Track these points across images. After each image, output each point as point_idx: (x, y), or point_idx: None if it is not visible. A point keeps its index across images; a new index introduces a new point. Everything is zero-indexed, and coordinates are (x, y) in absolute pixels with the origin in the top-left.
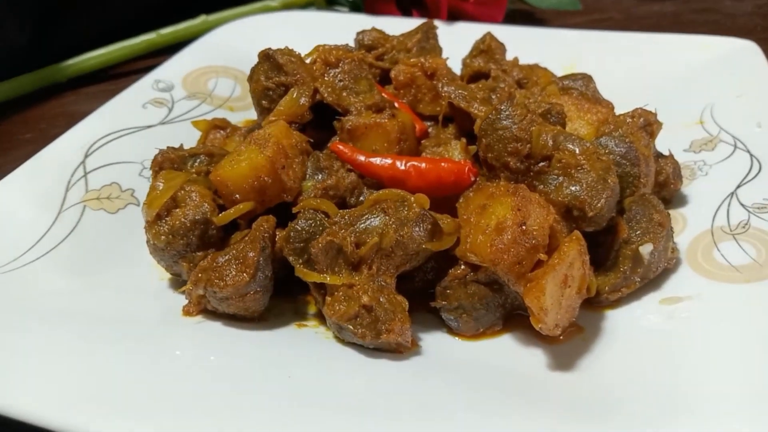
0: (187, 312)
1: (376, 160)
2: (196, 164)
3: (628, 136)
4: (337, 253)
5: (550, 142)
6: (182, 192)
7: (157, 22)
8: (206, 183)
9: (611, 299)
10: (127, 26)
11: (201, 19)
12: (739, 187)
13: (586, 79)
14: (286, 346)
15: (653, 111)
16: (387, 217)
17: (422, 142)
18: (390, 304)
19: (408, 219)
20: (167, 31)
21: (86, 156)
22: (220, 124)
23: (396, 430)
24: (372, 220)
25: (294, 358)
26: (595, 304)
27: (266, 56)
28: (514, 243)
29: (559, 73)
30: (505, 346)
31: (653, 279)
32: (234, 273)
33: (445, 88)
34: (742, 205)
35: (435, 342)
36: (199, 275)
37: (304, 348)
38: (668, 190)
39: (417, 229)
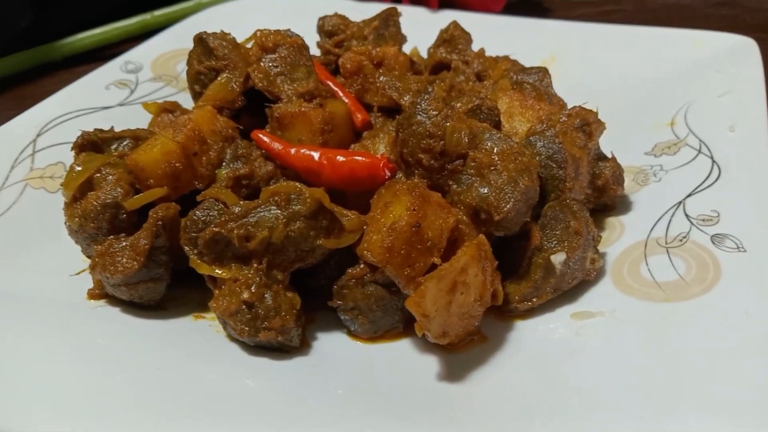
0: (91, 295)
1: (291, 150)
2: (121, 147)
3: (559, 136)
4: (225, 245)
5: (466, 140)
6: (99, 175)
7: (154, 3)
8: (127, 167)
9: (521, 309)
10: (124, 7)
11: (195, 1)
12: (689, 195)
13: (542, 73)
14: (170, 337)
15: (594, 110)
16: (279, 211)
17: (364, 133)
18: (275, 301)
19: (299, 214)
20: (161, 12)
21: (38, 135)
22: (170, 108)
23: None
24: (264, 213)
25: (171, 350)
26: (505, 314)
27: (200, 40)
28: (406, 244)
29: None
30: (401, 350)
31: (569, 290)
32: (125, 260)
33: (381, 78)
34: (687, 215)
35: (330, 343)
36: (96, 260)
37: (188, 341)
38: (608, 196)
39: (309, 224)
